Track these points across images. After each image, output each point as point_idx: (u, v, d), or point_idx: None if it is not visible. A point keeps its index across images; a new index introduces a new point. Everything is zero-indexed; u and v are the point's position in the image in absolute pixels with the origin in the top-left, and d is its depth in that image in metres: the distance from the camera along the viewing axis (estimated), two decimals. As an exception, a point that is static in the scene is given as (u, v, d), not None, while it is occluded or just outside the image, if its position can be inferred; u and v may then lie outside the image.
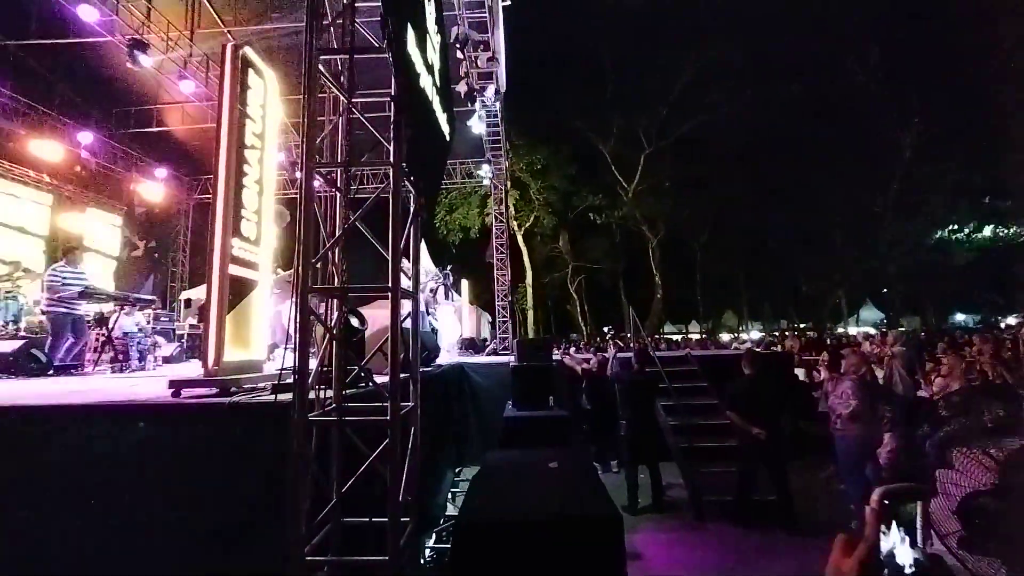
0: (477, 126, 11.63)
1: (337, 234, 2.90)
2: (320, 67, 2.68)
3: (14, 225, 10.47)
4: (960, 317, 29.70)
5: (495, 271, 12.97)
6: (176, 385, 3.25)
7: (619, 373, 6.74)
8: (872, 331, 19.81)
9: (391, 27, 2.31)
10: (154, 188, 13.43)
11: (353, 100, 3.11)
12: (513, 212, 17.90)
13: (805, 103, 20.92)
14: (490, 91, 10.69)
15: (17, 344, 5.40)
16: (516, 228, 18.83)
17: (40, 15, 8.84)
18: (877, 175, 20.73)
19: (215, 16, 9.43)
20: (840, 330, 24.18)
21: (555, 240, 22.39)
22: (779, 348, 12.86)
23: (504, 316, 12.16)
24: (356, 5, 3.07)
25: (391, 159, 2.62)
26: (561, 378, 7.19)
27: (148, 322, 8.66)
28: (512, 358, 7.13)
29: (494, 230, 14.02)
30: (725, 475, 5.56)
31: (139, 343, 7.97)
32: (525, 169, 19.24)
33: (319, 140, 2.88)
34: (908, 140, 19.85)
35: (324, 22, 2.88)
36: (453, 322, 11.93)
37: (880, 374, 6.76)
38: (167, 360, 8.50)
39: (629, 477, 5.89)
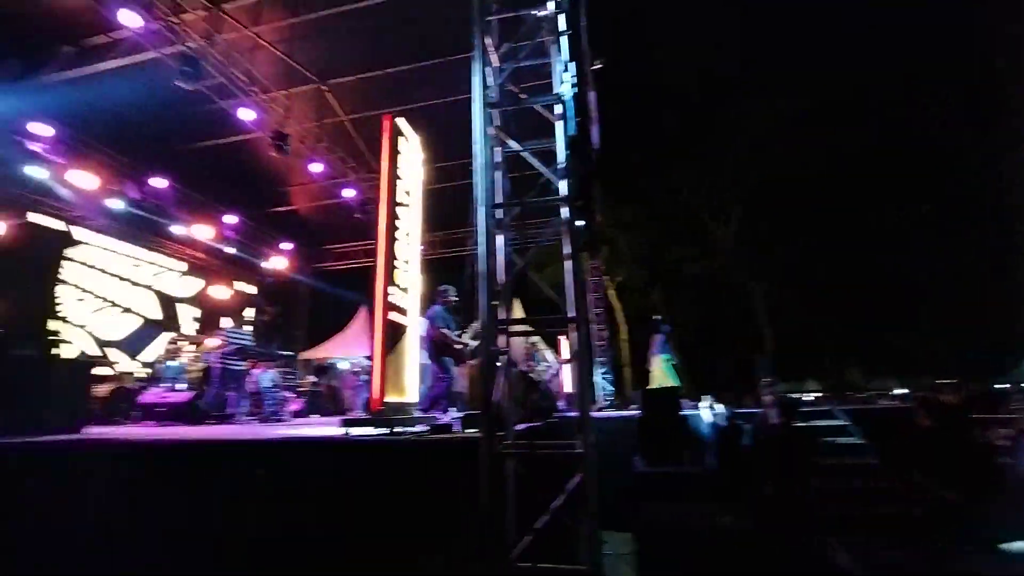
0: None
1: (502, 271, 2.96)
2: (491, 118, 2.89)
3: (175, 295, 12.26)
4: None
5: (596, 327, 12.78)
6: (347, 424, 3.40)
7: (762, 428, 6.12)
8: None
9: (576, 72, 2.46)
10: (280, 260, 15.05)
11: (509, 148, 3.29)
12: (603, 267, 17.81)
13: (909, 136, 19.36)
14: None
15: (187, 396, 6.03)
16: (608, 283, 18.63)
17: (205, 119, 10.64)
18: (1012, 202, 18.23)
19: (336, 107, 10.93)
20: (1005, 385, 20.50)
21: (648, 294, 21.80)
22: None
23: (607, 372, 11.82)
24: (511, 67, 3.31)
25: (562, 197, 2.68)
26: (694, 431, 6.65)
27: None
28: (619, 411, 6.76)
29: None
30: (912, 554, 4.68)
31: (272, 397, 8.65)
32: (613, 224, 19.26)
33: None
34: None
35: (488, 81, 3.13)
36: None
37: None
38: (295, 414, 9.07)
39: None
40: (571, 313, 2.65)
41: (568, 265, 2.66)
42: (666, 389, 6.26)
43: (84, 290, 10.28)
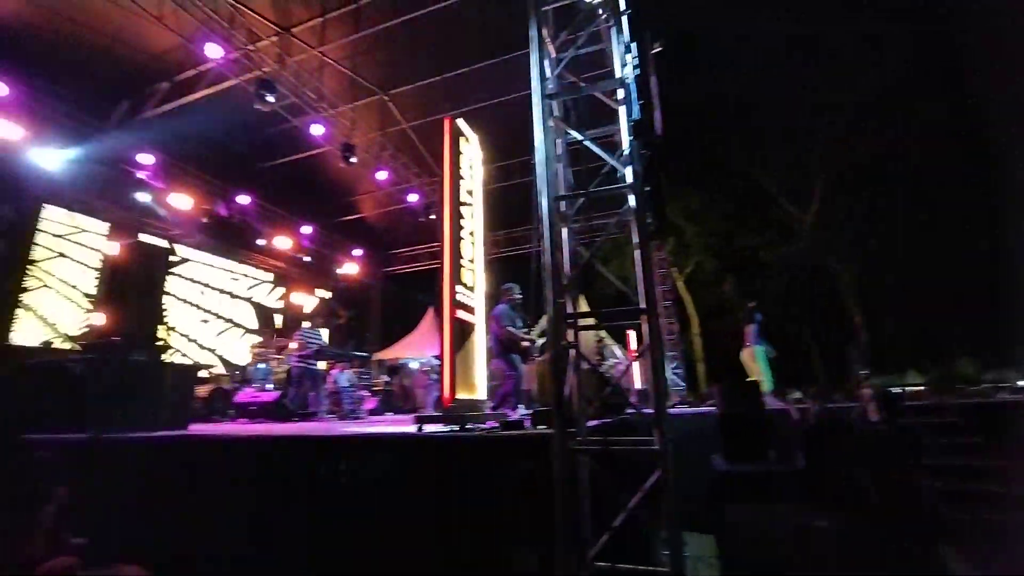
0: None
1: (567, 265, 2.90)
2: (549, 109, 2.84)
3: (270, 306, 13.38)
4: None
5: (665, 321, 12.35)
6: (420, 421, 3.49)
7: (860, 424, 5.64)
8: None
9: (640, 57, 2.37)
10: (351, 266, 15.84)
11: (570, 138, 3.22)
12: (670, 259, 17.12)
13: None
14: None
15: (274, 396, 6.49)
16: (677, 275, 17.90)
17: (280, 137, 11.41)
18: None
19: (398, 115, 11.33)
20: None
21: (719, 285, 20.69)
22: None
23: (677, 366, 11.38)
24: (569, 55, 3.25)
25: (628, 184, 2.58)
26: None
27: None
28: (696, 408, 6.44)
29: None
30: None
31: (350, 396, 9.10)
32: (679, 213, 18.45)
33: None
34: None
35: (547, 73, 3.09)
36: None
37: None
38: (371, 412, 9.49)
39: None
40: (641, 304, 2.55)
41: (636, 255, 2.55)
42: (748, 382, 5.90)
43: (205, 310, 11.49)
